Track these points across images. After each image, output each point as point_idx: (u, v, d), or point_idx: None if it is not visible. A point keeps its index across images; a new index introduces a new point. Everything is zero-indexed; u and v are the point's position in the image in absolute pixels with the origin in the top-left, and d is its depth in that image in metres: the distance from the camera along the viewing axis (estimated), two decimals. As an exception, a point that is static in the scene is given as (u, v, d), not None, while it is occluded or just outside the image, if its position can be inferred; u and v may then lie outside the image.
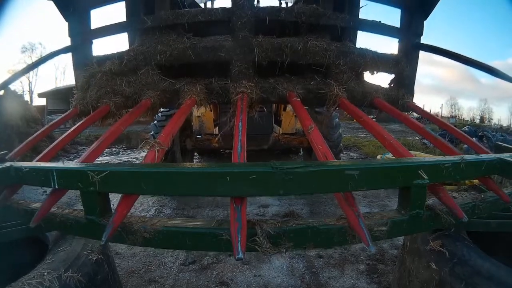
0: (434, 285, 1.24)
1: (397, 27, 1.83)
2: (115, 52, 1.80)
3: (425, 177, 0.95)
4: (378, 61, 1.75)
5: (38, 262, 1.25)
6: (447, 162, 1.00)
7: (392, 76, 1.86)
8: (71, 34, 1.79)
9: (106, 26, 1.83)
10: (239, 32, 1.59)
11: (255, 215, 3.41)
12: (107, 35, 1.85)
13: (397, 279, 1.66)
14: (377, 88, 1.79)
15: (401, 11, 1.83)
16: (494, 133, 9.01)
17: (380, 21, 1.77)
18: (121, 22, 1.80)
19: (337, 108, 1.61)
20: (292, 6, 1.99)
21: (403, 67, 1.80)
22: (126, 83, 1.66)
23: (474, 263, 1.18)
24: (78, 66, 1.82)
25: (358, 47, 1.78)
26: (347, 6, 1.81)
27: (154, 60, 1.65)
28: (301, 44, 1.60)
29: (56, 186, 0.96)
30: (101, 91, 1.64)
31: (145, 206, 3.78)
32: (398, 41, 1.87)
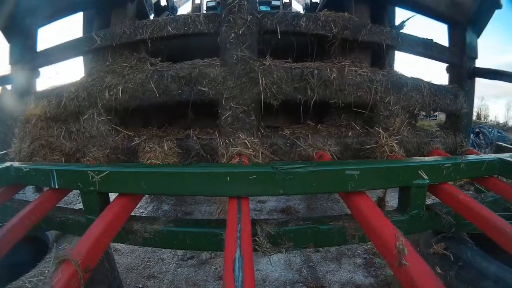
0: None
1: (446, 47, 1.38)
2: (56, 86, 1.27)
3: (425, 177, 0.96)
4: (437, 96, 1.23)
5: (39, 261, 1.25)
6: (447, 162, 1.00)
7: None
8: (12, 60, 1.34)
9: (49, 48, 1.34)
10: (232, 50, 1.02)
11: (253, 210, 3.44)
12: (56, 62, 1.36)
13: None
14: (433, 135, 1.31)
15: (449, 28, 1.39)
16: (490, 130, 9.03)
17: (431, 40, 1.28)
18: (67, 42, 1.27)
19: None
20: (315, 13, 1.28)
21: (462, 102, 1.34)
22: (66, 134, 1.17)
23: (480, 266, 1.17)
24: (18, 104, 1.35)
25: (411, 76, 1.24)
26: (386, 17, 1.30)
27: (101, 98, 1.11)
28: (334, 71, 1.05)
29: (56, 186, 0.95)
30: (35, 144, 1.18)
31: (142, 203, 3.77)
32: (447, 68, 1.41)
